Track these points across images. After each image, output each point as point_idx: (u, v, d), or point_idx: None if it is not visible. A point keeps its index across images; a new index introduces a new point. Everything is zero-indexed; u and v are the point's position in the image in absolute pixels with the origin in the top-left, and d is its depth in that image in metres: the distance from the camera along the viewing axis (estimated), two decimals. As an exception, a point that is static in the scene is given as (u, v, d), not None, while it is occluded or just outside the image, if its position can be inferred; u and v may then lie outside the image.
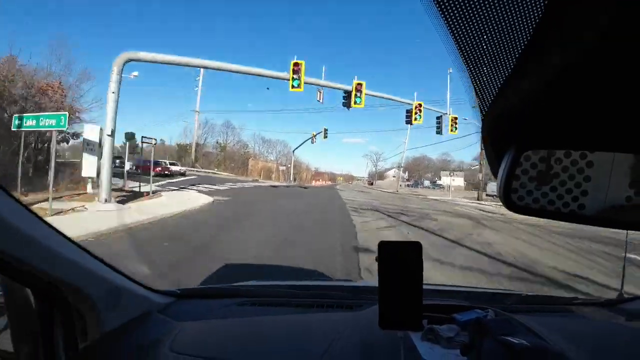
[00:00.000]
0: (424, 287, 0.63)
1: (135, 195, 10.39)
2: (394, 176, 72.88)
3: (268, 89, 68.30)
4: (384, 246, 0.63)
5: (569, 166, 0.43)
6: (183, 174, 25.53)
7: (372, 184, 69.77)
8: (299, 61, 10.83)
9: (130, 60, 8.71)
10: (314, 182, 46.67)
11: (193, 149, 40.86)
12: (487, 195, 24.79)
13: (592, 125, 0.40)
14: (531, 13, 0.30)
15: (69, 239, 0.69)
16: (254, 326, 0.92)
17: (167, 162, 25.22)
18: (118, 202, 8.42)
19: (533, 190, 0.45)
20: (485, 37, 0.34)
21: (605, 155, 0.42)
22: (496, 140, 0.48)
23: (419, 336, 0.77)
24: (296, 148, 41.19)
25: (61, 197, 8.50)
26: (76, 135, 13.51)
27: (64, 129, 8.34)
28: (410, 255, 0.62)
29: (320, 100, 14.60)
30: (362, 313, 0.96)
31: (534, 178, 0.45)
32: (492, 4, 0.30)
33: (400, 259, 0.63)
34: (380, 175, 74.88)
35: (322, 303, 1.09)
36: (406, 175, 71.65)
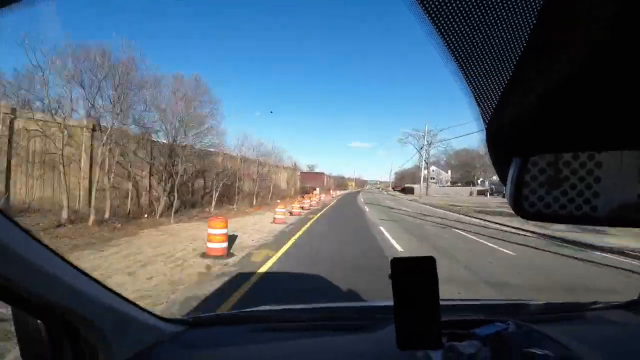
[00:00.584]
0: (440, 302, 0.60)
1: None
2: (432, 178, 54.48)
3: (272, 112, 54.51)
4: (396, 263, 0.61)
5: (578, 168, 0.43)
6: None
7: (404, 190, 53.63)
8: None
9: None
10: (292, 203, 15.50)
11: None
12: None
13: (597, 125, 0.39)
14: (530, 14, 0.30)
15: (74, 266, 0.69)
16: (267, 353, 0.91)
17: None
18: None
19: (544, 195, 0.45)
20: (481, 41, 0.33)
21: (613, 154, 0.42)
22: (501, 147, 0.47)
23: (439, 355, 0.73)
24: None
25: None
26: None
27: None
28: (424, 270, 0.60)
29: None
30: (379, 334, 0.94)
31: (544, 183, 0.45)
32: (486, 9, 0.30)
33: (415, 275, 0.61)
34: (404, 178, 54.00)
35: (337, 326, 1.05)
36: (449, 175, 54.13)
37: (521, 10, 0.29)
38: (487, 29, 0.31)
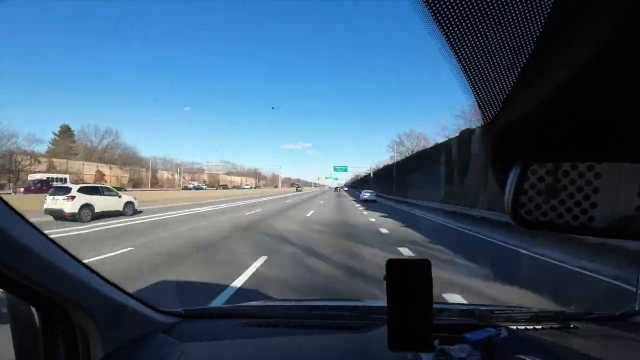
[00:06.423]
0: (433, 305, 0.61)
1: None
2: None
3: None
4: (392, 264, 0.61)
5: (577, 178, 0.43)
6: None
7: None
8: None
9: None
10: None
11: None
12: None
13: (597, 136, 0.40)
14: (533, 24, 0.30)
15: (72, 255, 0.69)
16: (259, 348, 0.91)
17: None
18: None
19: (541, 204, 0.45)
20: (487, 50, 0.33)
21: (613, 165, 0.42)
22: (501, 155, 0.48)
23: (430, 357, 0.74)
24: None
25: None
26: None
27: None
28: (419, 273, 0.61)
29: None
30: (371, 334, 0.95)
31: (542, 191, 0.45)
32: (492, 17, 0.30)
33: (409, 277, 0.61)
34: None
35: (330, 324, 1.06)
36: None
37: (528, 14, 0.29)
38: (492, 29, 0.31)
